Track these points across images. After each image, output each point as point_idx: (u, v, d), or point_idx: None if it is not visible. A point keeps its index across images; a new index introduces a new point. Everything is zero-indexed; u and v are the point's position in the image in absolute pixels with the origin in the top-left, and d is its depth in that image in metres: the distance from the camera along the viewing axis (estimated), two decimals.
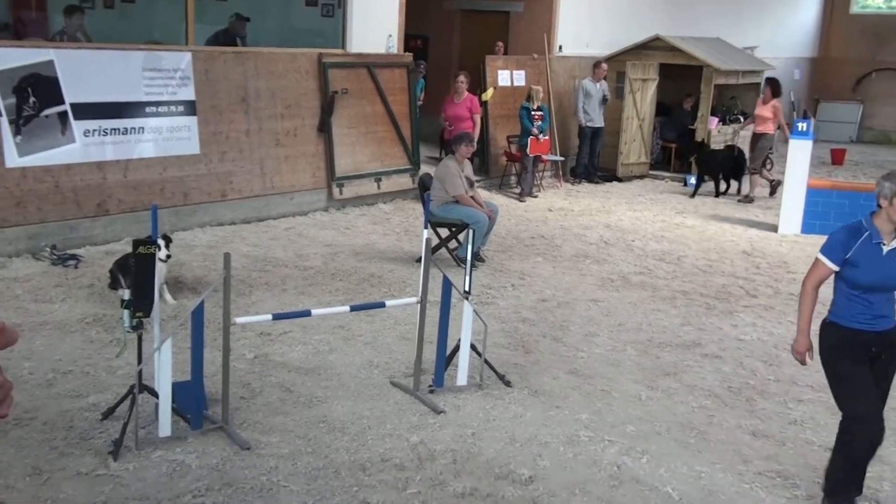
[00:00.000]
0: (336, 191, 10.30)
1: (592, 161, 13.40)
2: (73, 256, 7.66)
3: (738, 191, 12.82)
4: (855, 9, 21.22)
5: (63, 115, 7.97)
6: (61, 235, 7.96)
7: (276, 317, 5.42)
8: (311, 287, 7.31)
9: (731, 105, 14.99)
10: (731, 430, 5.11)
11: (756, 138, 12.45)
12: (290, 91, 9.87)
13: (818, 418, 5.31)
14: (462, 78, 11.49)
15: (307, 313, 5.37)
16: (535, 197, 12.00)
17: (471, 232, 6.16)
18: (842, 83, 20.87)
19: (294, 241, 8.82)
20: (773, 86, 12.54)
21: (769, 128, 12.30)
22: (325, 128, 10.18)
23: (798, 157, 10.43)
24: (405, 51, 11.51)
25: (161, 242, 6.29)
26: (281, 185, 9.82)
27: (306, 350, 5.93)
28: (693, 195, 12.48)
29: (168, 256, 6.46)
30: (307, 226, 9.51)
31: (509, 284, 7.70)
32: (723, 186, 12.81)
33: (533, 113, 12.08)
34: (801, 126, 10.67)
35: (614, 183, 13.36)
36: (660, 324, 6.89)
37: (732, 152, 12.78)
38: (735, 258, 9.13)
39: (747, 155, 12.66)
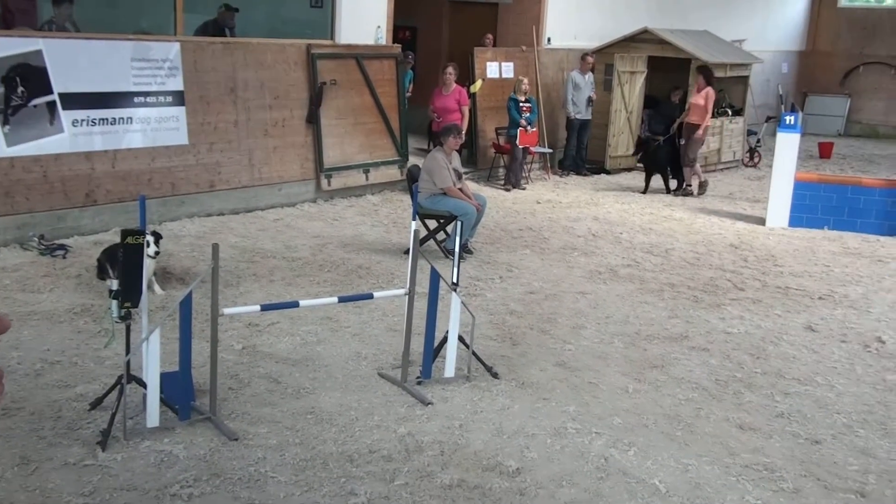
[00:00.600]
0: (324, 182, 10.28)
1: (580, 153, 13.42)
2: (62, 246, 7.62)
3: (679, 185, 12.33)
4: (843, 2, 21.27)
5: (51, 105, 7.92)
6: (49, 225, 7.92)
7: (265, 308, 5.43)
8: (299, 278, 7.30)
9: (720, 98, 15.02)
10: (717, 422, 5.14)
11: (689, 129, 12.05)
12: (278, 82, 9.84)
13: (805, 411, 5.35)
14: (450, 70, 11.47)
15: (295, 304, 5.37)
16: (524, 189, 12.01)
17: (459, 224, 6.18)
18: (830, 77, 20.95)
19: (282, 232, 8.80)
20: (705, 74, 12.17)
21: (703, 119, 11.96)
22: (313, 119, 10.15)
23: (786, 151, 10.46)
24: (394, 42, 11.48)
25: (150, 239, 6.28)
26: (269, 175, 9.79)
27: (294, 341, 5.93)
28: (645, 191, 12.16)
29: (157, 253, 6.45)
30: (295, 217, 9.50)
31: (497, 276, 7.72)
32: (673, 183, 12.34)
33: (521, 105, 12.09)
34: (789, 119, 10.71)
35: (602, 175, 13.39)
36: (647, 316, 6.91)
37: (675, 146, 12.33)
38: (723, 251, 9.17)
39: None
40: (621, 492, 4.30)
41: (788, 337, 6.64)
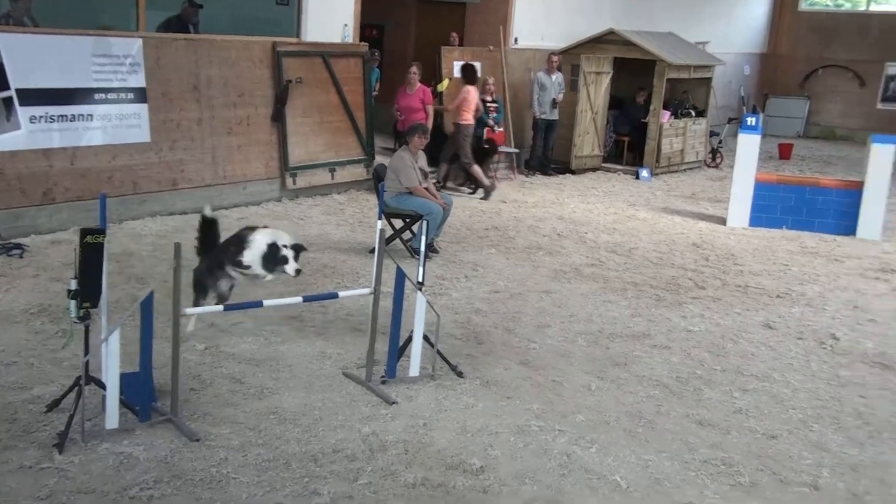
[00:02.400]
0: (289, 181, 10.23)
1: (546, 153, 13.50)
2: (18, 246, 7.50)
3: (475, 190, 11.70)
4: (803, 6, 21.63)
5: (8, 101, 7.79)
6: (5, 224, 7.79)
7: (228, 308, 5.39)
8: None
9: (683, 99, 15.20)
10: (678, 419, 5.20)
11: (457, 130, 11.51)
12: (243, 79, 9.77)
13: (762, 407, 5.44)
14: (414, 69, 11.45)
15: (259, 304, 5.33)
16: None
17: (425, 223, 6.18)
18: (790, 79, 21.30)
19: None
20: (464, 72, 11.74)
21: (463, 118, 11.41)
22: (278, 117, 10.10)
23: (746, 152, 10.61)
24: (361, 40, 11.46)
25: (289, 254, 5.39)
26: (233, 174, 9.72)
27: (258, 341, 5.90)
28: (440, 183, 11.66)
29: (298, 272, 5.47)
30: (260, 216, 9.44)
31: (462, 276, 7.74)
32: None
33: (488, 104, 12.13)
34: (750, 121, 10.87)
35: (568, 175, 13.48)
36: (610, 315, 6.98)
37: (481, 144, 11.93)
38: (685, 250, 9.28)
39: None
40: (583, 488, 4.34)
41: (747, 334, 6.75)
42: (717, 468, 4.64)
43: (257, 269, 5.47)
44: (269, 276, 5.54)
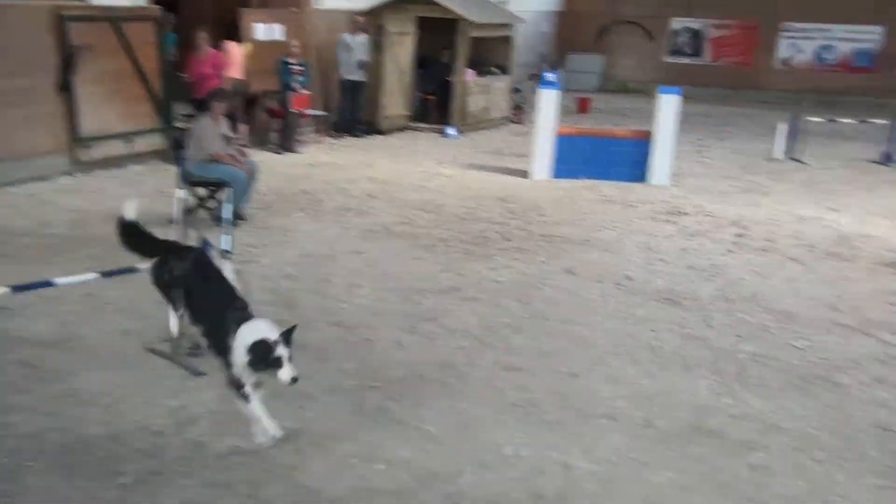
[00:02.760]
0: (82, 153, 9.62)
1: (354, 114, 13.45)
2: None
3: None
4: None
5: None
6: None
7: (17, 288, 5.03)
8: (57, 256, 6.83)
9: (486, 57, 15.55)
10: (488, 367, 5.40)
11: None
12: (23, 48, 9.06)
13: (567, 349, 5.74)
14: (203, 34, 11.04)
15: (48, 283, 5.03)
16: (299, 153, 11.88)
17: (229, 190, 6.03)
18: (586, 36, 22.32)
19: (35, 209, 8.17)
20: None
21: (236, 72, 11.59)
22: (66, 86, 9.45)
23: (547, 106, 11.04)
24: (154, 3, 10.89)
25: (284, 354, 4.14)
26: (18, 149, 9.03)
27: (52, 322, 5.57)
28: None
29: (294, 380, 4.14)
30: (50, 192, 8.85)
31: (272, 241, 7.62)
32: None
33: (292, 67, 11.91)
34: (549, 77, 11.31)
35: (376, 136, 13.52)
36: (421, 271, 7.11)
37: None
38: (491, 205, 9.58)
39: None
40: (396, 440, 4.43)
41: (551, 281, 7.09)
42: (525, 409, 4.87)
43: (244, 376, 4.28)
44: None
